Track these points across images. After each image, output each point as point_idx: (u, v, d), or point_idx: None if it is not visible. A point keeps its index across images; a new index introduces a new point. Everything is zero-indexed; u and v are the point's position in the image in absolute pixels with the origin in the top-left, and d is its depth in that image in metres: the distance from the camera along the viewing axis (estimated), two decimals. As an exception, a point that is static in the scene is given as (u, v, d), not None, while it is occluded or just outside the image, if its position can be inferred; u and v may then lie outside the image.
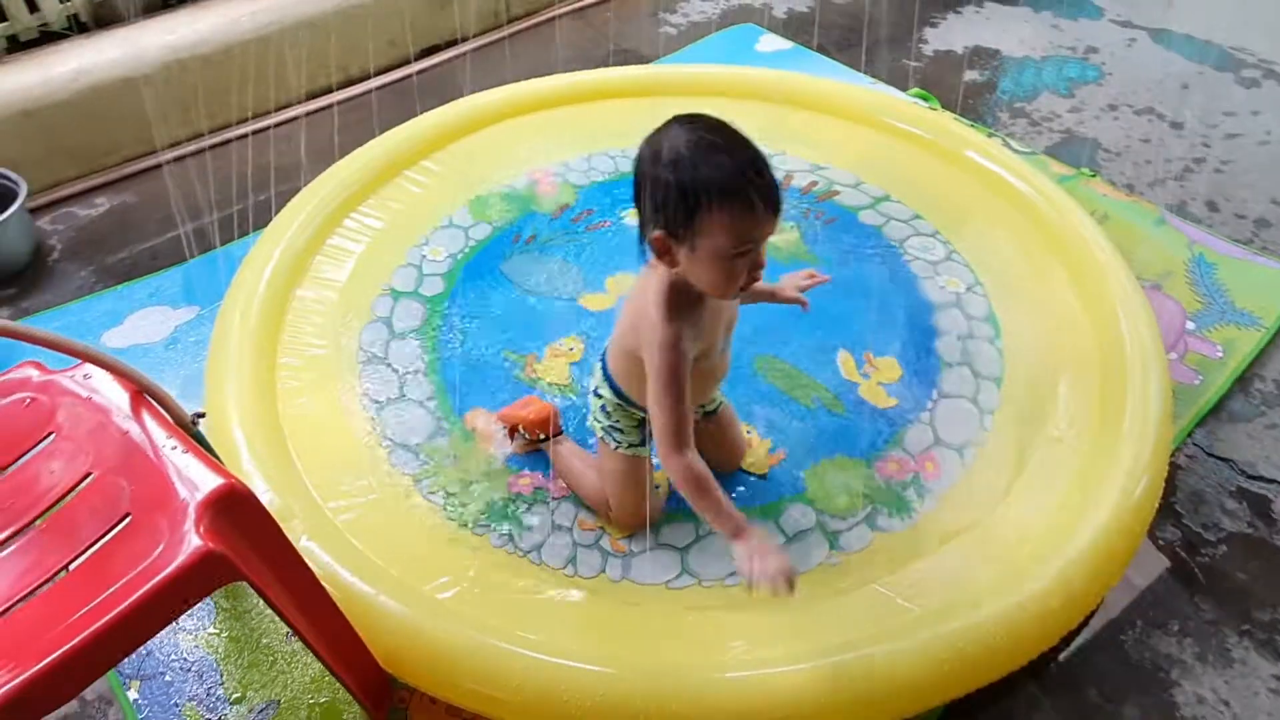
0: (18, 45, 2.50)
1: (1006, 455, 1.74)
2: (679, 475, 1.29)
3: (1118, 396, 1.75)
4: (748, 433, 1.78)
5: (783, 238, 2.23)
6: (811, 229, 2.25)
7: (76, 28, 2.56)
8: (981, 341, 1.96)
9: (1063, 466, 1.68)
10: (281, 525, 1.47)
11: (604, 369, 1.51)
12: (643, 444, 1.53)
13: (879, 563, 1.56)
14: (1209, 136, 2.60)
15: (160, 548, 0.99)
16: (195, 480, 1.05)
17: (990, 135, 2.56)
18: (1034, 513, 1.60)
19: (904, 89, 2.76)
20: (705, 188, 1.18)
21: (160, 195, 2.41)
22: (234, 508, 1.05)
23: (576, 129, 2.53)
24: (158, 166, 2.49)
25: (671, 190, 1.19)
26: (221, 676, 1.44)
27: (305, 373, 1.87)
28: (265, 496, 1.56)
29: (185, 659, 1.47)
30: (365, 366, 1.92)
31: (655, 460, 1.53)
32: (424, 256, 2.17)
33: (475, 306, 2.06)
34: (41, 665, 0.88)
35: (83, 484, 1.08)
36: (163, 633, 1.50)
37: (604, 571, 1.56)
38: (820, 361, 1.92)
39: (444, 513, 1.64)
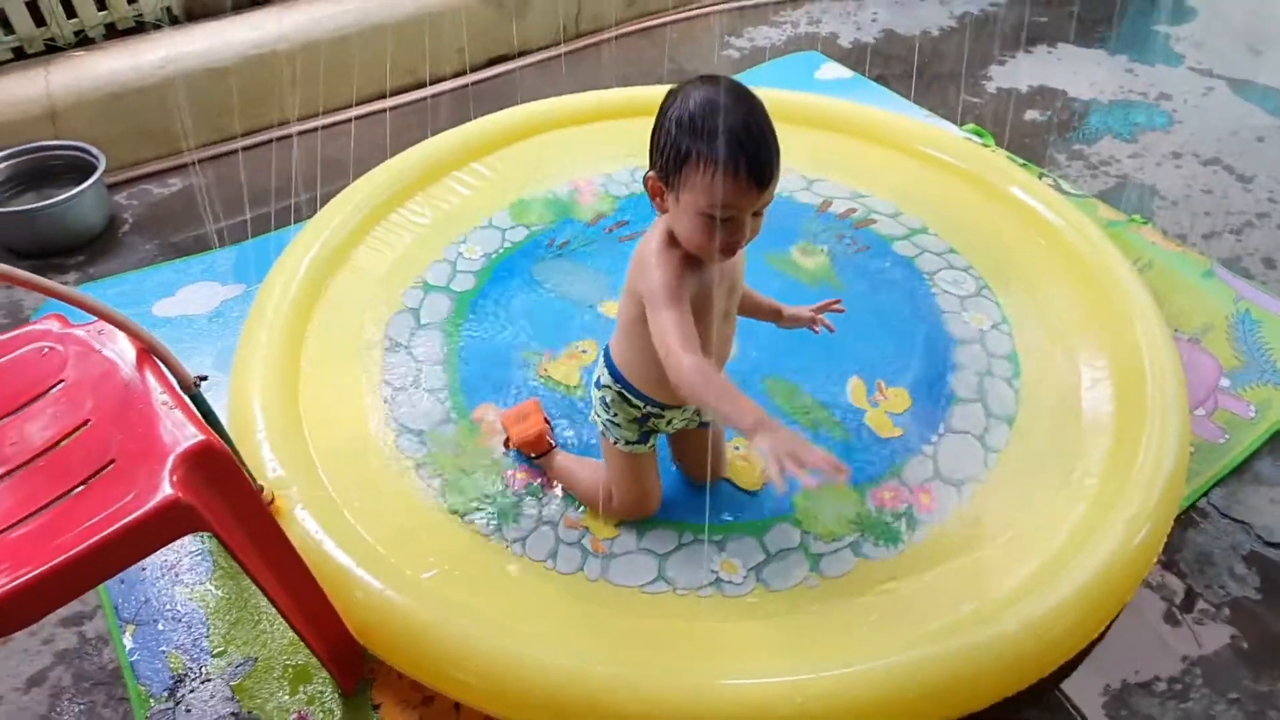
0: (115, 33, 2.70)
1: (1006, 495, 1.70)
2: (683, 376, 1.23)
3: (1131, 446, 1.70)
4: (747, 448, 1.79)
5: (813, 260, 2.24)
6: (843, 255, 2.25)
7: (169, 20, 2.75)
8: (999, 380, 1.93)
9: (1062, 511, 1.64)
10: (278, 492, 1.58)
11: (607, 356, 1.53)
12: (641, 441, 1.56)
13: (855, 589, 1.55)
14: (1277, 193, 2.50)
15: (134, 493, 1.06)
16: (178, 435, 1.13)
17: (1041, 175, 2.52)
18: (1025, 555, 1.57)
19: (960, 124, 2.73)
20: (695, 143, 1.22)
21: (229, 180, 2.55)
22: (209, 464, 1.12)
23: (624, 142, 2.58)
24: (231, 153, 2.64)
25: (670, 136, 1.24)
26: (208, 629, 1.52)
27: (330, 354, 1.96)
28: (270, 464, 1.65)
29: (179, 610, 1.55)
30: (389, 354, 2.00)
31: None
32: (460, 254, 2.25)
33: (500, 305, 2.12)
34: (10, 585, 0.96)
35: (80, 430, 1.17)
36: (162, 584, 1.60)
37: (582, 569, 1.59)
38: (830, 386, 1.92)
39: (438, 497, 1.70)
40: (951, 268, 2.21)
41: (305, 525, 1.54)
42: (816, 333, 1.67)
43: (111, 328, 1.29)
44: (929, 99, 2.87)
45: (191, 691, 1.43)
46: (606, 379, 1.53)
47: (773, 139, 1.26)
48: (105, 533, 1.02)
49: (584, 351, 2.00)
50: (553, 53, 3.13)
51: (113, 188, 2.52)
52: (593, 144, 2.59)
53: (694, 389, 1.23)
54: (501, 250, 2.27)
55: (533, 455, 1.73)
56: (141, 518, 1.03)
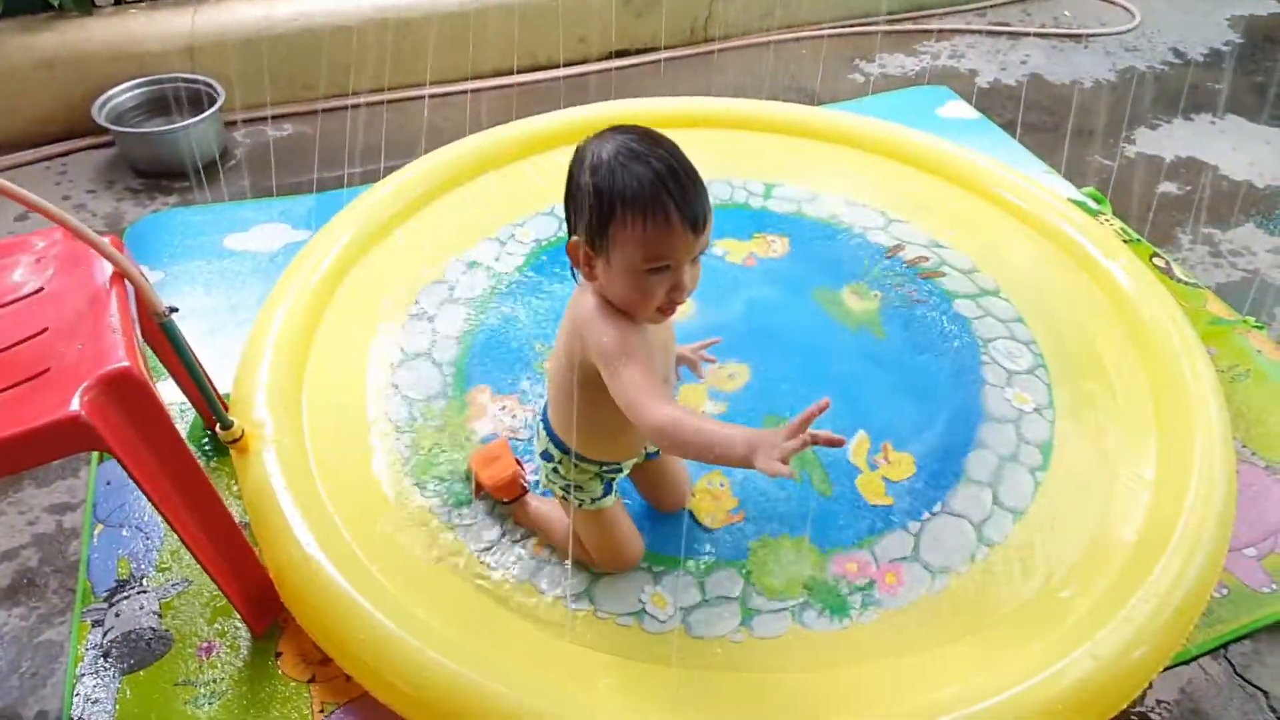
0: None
1: (981, 598, 1.55)
2: (663, 432, 1.16)
3: (1137, 574, 1.50)
4: (720, 484, 1.71)
5: (862, 304, 2.11)
6: (896, 303, 2.11)
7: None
8: (1021, 467, 1.75)
9: (1032, 633, 1.47)
10: (252, 430, 1.65)
11: (546, 429, 1.46)
12: (607, 494, 1.48)
13: (773, 658, 1.45)
14: None
15: (45, 404, 1.13)
16: (106, 358, 1.20)
17: (1153, 255, 2.26)
18: (972, 668, 1.42)
19: (1080, 186, 2.50)
20: (619, 196, 1.16)
21: (336, 133, 2.69)
22: (125, 391, 1.18)
23: (710, 150, 2.52)
24: (343, 108, 2.78)
25: (589, 196, 1.19)
26: (162, 543, 1.62)
27: (357, 311, 2.03)
28: (259, 402, 1.72)
29: (145, 519, 1.65)
30: (413, 320, 2.05)
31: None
32: (513, 236, 2.28)
33: (532, 292, 2.13)
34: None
35: (35, 337, 1.26)
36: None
37: (513, 570, 1.57)
38: (832, 437, 1.80)
39: (405, 466, 1.73)
40: (1012, 338, 2.03)
41: (265, 467, 1.60)
42: (699, 376, 1.61)
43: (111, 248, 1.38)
44: (1056, 155, 2.64)
45: (126, 598, 1.53)
46: (556, 452, 1.45)
47: (698, 178, 1.20)
48: (6, 433, 1.09)
49: (595, 353, 1.98)
50: (678, 53, 3.10)
51: (233, 125, 2.71)
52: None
53: (675, 442, 1.17)
54: (554, 238, 2.27)
55: (505, 500, 1.64)
56: (37, 428, 1.10)
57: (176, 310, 1.43)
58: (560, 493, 1.49)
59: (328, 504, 1.60)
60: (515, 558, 1.59)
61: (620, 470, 1.49)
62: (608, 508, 1.50)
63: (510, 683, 1.33)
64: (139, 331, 1.32)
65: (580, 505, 1.48)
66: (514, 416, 1.84)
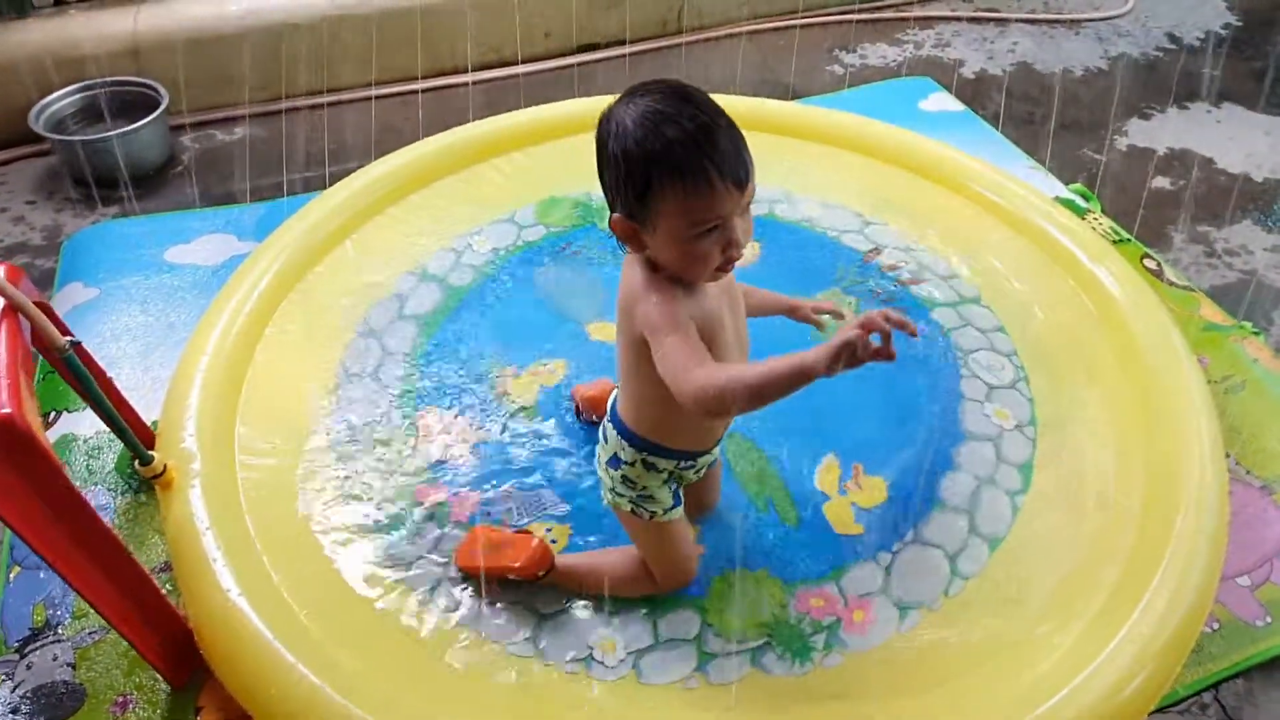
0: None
1: (957, 635, 1.44)
2: (704, 394, 1.08)
3: (1125, 607, 1.40)
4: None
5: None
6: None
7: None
8: (999, 491, 1.65)
9: (1013, 674, 1.37)
10: (177, 463, 1.54)
11: (618, 428, 1.35)
12: (677, 504, 1.39)
13: (730, 704, 1.35)
14: None
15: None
16: (-16, 404, 1.09)
17: (1143, 257, 2.15)
18: (937, 712, 1.32)
19: (1068, 182, 2.38)
20: (653, 164, 1.09)
21: (290, 136, 2.57)
22: (5, 440, 1.08)
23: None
24: (296, 109, 2.67)
25: (620, 168, 1.12)
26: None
27: (302, 327, 1.92)
28: (185, 431, 1.62)
29: (63, 562, 1.55)
30: (361, 338, 1.94)
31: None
32: (469, 245, 2.16)
33: (488, 306, 2.02)
34: None
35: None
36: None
37: (452, 612, 1.46)
38: (800, 458, 1.70)
39: (341, 492, 1.63)
40: (993, 349, 1.92)
41: (188, 504, 1.50)
42: (819, 327, 1.50)
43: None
44: (1043, 148, 2.52)
45: (40, 648, 1.43)
46: (627, 452, 1.34)
47: (735, 130, 1.12)
48: None
49: (551, 371, 1.87)
50: (648, 46, 2.98)
51: (180, 129, 2.60)
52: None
53: (724, 399, 1.07)
54: (512, 248, 2.16)
55: (540, 575, 1.46)
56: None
57: (78, 343, 1.32)
58: (629, 507, 1.37)
59: (256, 544, 1.50)
60: (456, 602, 1.48)
61: (694, 466, 1.39)
62: (676, 519, 1.39)
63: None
64: (39, 366, 1.21)
65: (652, 517, 1.37)
66: (463, 440, 1.73)
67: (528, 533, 1.52)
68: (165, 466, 1.53)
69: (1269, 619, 1.48)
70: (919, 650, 1.41)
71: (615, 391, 1.38)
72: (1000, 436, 1.74)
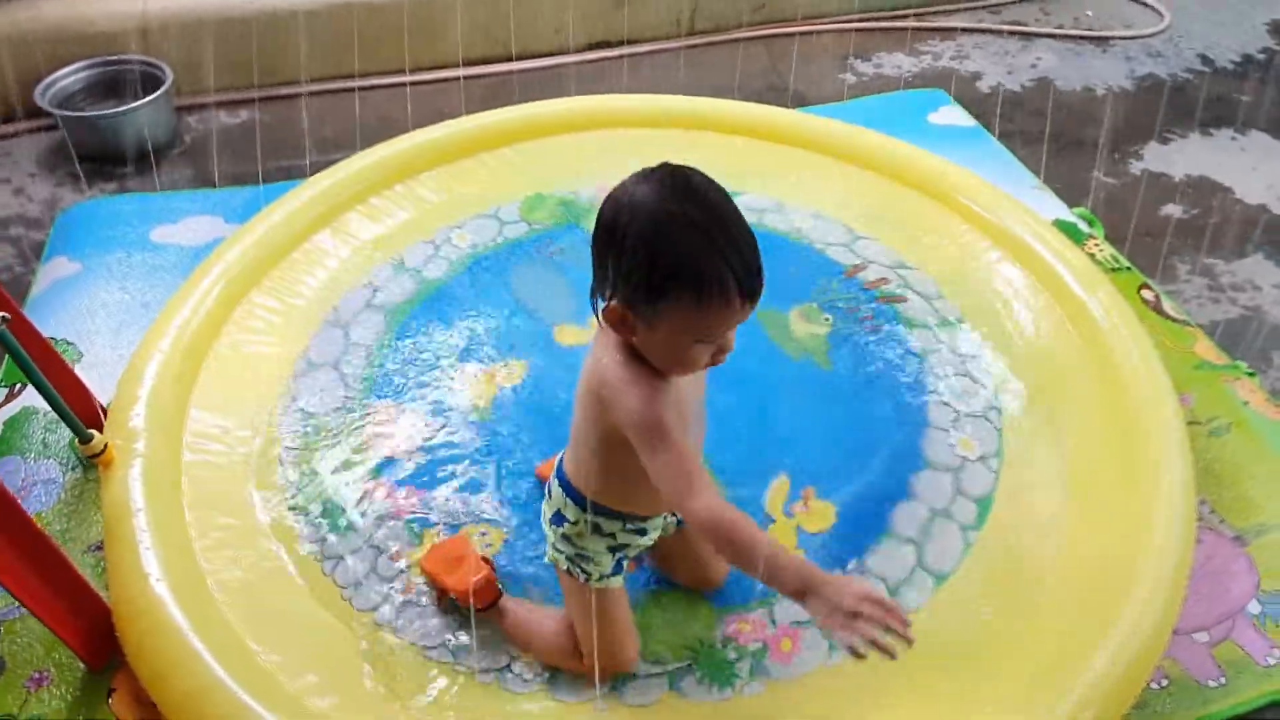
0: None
1: (885, 671, 1.37)
2: (703, 523, 1.09)
3: (1063, 661, 1.33)
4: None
5: (809, 329, 1.95)
6: (846, 331, 1.94)
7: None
8: (952, 525, 1.59)
9: (935, 713, 1.31)
10: (126, 442, 1.55)
11: (563, 485, 1.31)
12: (616, 572, 1.33)
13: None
14: None
15: None
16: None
17: (1141, 287, 2.05)
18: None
19: (1074, 204, 2.29)
20: (677, 270, 1.04)
21: (294, 122, 2.59)
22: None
23: (677, 154, 2.36)
24: (302, 95, 2.69)
25: (639, 262, 1.05)
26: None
27: (271, 315, 1.93)
28: (134, 411, 1.62)
29: None
30: (328, 326, 1.94)
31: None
32: (449, 239, 2.15)
33: (456, 302, 2.00)
34: None
35: None
36: None
37: (376, 610, 1.45)
38: (749, 478, 1.65)
39: (284, 482, 1.62)
40: (969, 376, 1.85)
41: (125, 485, 1.50)
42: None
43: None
44: (1053, 169, 2.43)
45: (-32, 619, 1.45)
46: (571, 510, 1.30)
47: (754, 242, 1.08)
48: None
49: (509, 372, 1.85)
50: (657, 47, 2.94)
51: (186, 110, 2.63)
52: (642, 150, 2.39)
53: (724, 541, 1.10)
54: (492, 244, 2.15)
55: (479, 608, 1.41)
56: None
57: (8, 318, 1.33)
58: (566, 565, 1.32)
59: (191, 530, 1.50)
60: (380, 594, 1.47)
61: (643, 534, 1.33)
62: (614, 588, 1.33)
63: None
64: None
65: (587, 579, 1.30)
66: (414, 437, 1.72)
67: (489, 563, 1.47)
68: (106, 445, 1.54)
69: (1223, 679, 1.40)
70: (843, 685, 1.36)
71: (564, 451, 1.33)
72: (962, 467, 1.67)
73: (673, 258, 1.04)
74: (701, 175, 1.10)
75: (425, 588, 1.47)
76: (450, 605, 1.44)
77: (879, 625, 1.02)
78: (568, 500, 1.30)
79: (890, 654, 1.02)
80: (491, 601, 1.41)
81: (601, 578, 1.32)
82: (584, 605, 1.32)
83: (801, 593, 1.05)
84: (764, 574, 1.07)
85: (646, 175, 1.10)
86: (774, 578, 1.07)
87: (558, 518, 1.32)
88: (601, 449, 1.21)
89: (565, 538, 1.31)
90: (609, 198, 1.11)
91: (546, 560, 1.38)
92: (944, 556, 1.54)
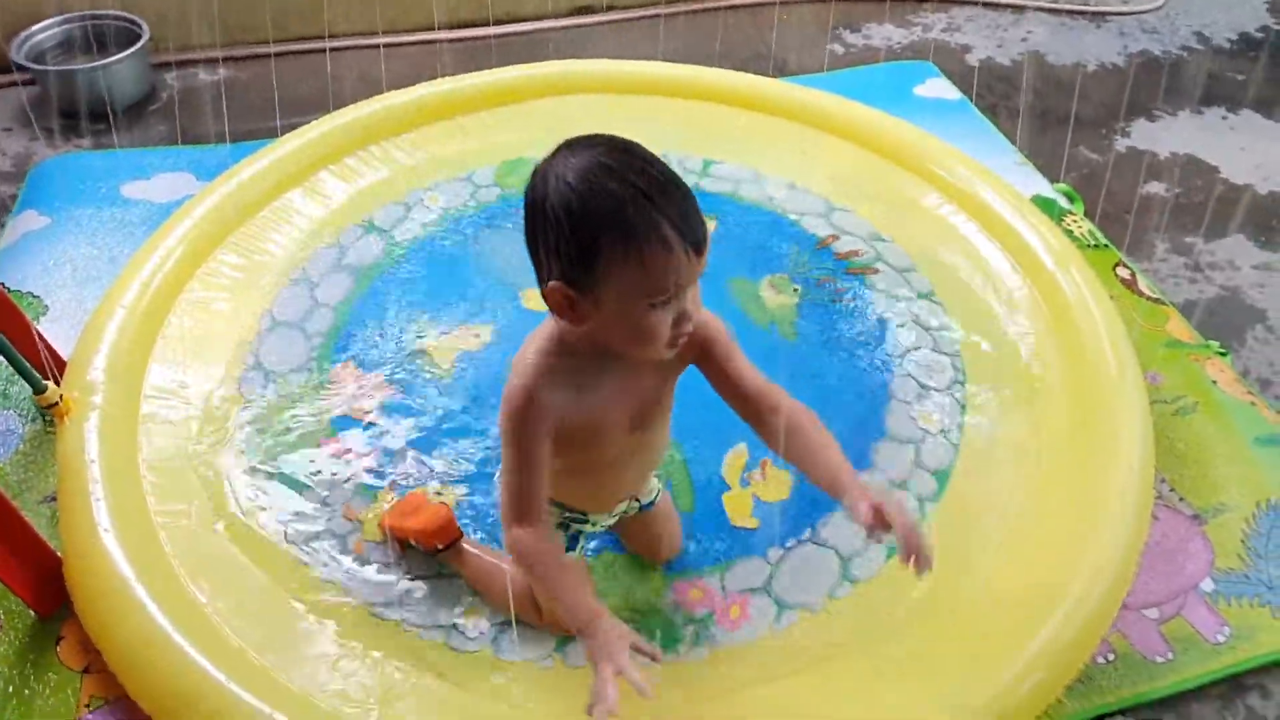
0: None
1: (829, 637, 1.39)
2: (510, 547, 1.15)
3: (1004, 631, 1.33)
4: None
5: (779, 299, 1.93)
6: (815, 301, 1.92)
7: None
8: (909, 498, 1.58)
9: (874, 677, 1.31)
10: (83, 395, 1.55)
11: None
12: (570, 549, 1.33)
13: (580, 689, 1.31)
14: None
15: None
16: None
17: (1116, 265, 2.03)
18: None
19: (1056, 180, 2.26)
20: (602, 224, 0.98)
21: (270, 81, 2.56)
22: None
23: (659, 120, 2.33)
24: (283, 54, 2.66)
25: (563, 229, 1.00)
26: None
27: (236, 273, 1.92)
28: (94, 364, 1.62)
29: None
30: (293, 285, 1.93)
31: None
32: (421, 200, 2.13)
33: (427, 264, 1.99)
34: None
35: None
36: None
37: (325, 565, 1.45)
38: (708, 447, 1.64)
39: (240, 438, 1.62)
40: (935, 349, 1.83)
41: (80, 436, 1.51)
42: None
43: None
44: (1039, 144, 2.40)
45: (-81, 565, 1.45)
46: None
47: (689, 191, 1.03)
48: None
49: (476, 336, 1.84)
50: (641, 13, 2.90)
51: (165, 66, 2.61)
52: (626, 117, 2.36)
53: (526, 568, 1.18)
54: (463, 207, 2.13)
55: (440, 548, 1.42)
56: None
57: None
58: None
59: (144, 484, 1.51)
60: (332, 549, 1.47)
61: (586, 522, 1.33)
62: (568, 560, 1.32)
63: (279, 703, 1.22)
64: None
65: None
66: (373, 397, 1.72)
67: (444, 503, 1.47)
68: (61, 397, 1.53)
69: (1171, 655, 1.40)
70: (784, 650, 1.36)
71: None
72: (923, 441, 1.66)
73: (597, 213, 0.99)
74: (614, 136, 1.05)
75: (375, 545, 1.48)
76: (411, 553, 1.45)
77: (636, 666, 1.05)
78: None
79: (642, 691, 1.03)
80: (452, 540, 1.42)
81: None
82: None
83: (580, 631, 1.10)
84: (559, 607, 1.17)
85: (557, 151, 1.05)
86: (565, 612, 1.15)
87: None
88: None
89: None
90: (529, 185, 1.06)
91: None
92: (898, 527, 1.53)
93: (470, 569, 1.43)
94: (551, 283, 1.04)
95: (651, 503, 1.41)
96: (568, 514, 1.31)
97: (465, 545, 1.44)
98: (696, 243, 1.01)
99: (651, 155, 1.04)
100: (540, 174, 1.04)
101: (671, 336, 1.06)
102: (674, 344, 1.08)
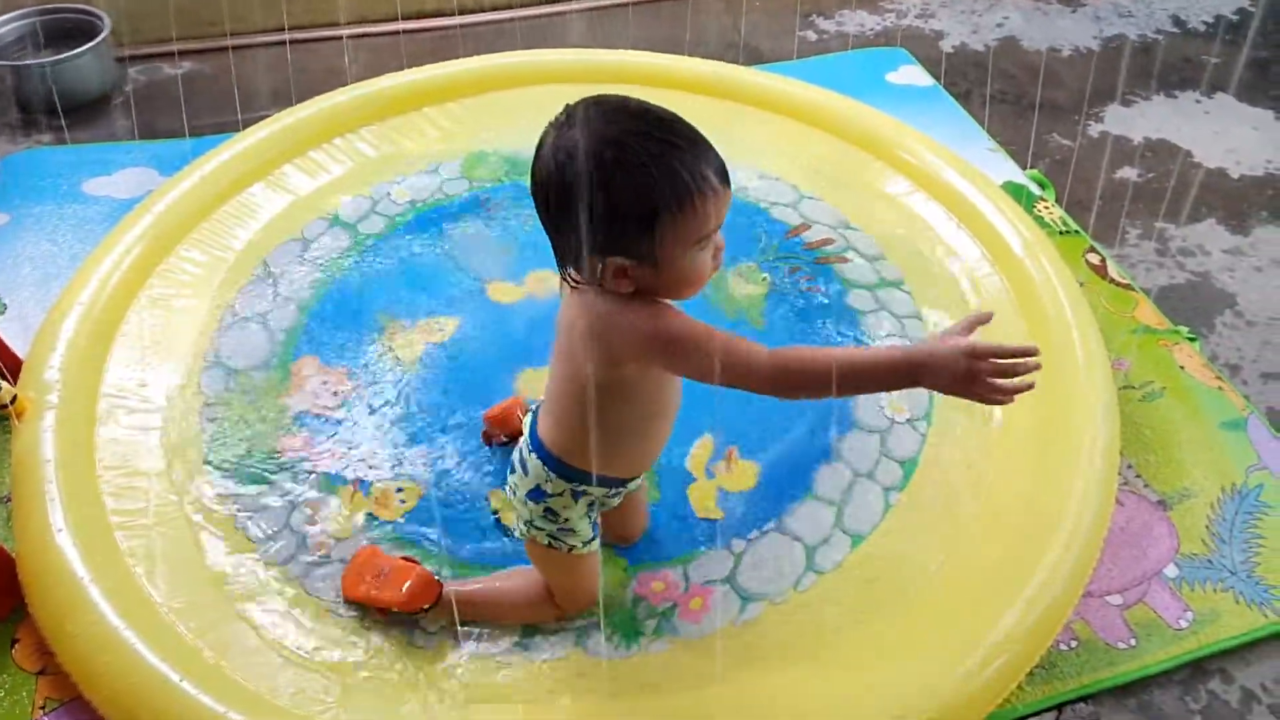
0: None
1: (792, 628, 1.38)
2: (779, 376, 1.06)
3: (967, 619, 1.33)
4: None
5: (747, 289, 1.92)
6: (784, 291, 1.91)
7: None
8: (875, 486, 1.57)
9: (838, 673, 1.31)
10: (38, 394, 1.53)
11: (544, 460, 1.22)
12: (594, 536, 1.28)
13: (546, 685, 1.31)
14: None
15: None
16: None
17: (1086, 250, 2.02)
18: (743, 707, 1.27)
19: (1028, 167, 2.25)
20: (658, 193, 0.99)
21: (234, 75, 2.52)
22: None
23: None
24: (248, 47, 2.63)
25: (616, 209, 0.99)
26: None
27: (197, 269, 1.89)
28: (50, 362, 1.60)
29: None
30: (258, 280, 1.91)
31: None
32: (388, 194, 2.11)
33: (393, 257, 1.97)
34: None
35: None
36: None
37: (287, 564, 1.44)
38: (674, 440, 1.58)
39: (200, 436, 1.60)
40: (904, 336, 1.83)
41: (35, 435, 1.49)
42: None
43: None
44: (1011, 130, 2.39)
45: (-128, 569, 1.43)
46: (554, 484, 1.22)
47: (696, 132, 1.05)
48: None
49: (440, 329, 1.82)
50: (610, 2, 2.87)
51: (128, 60, 2.57)
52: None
53: (809, 377, 1.05)
54: (431, 200, 2.11)
55: (426, 608, 1.34)
56: None
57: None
58: (547, 541, 1.26)
59: (101, 483, 1.49)
60: (292, 547, 1.45)
61: (618, 494, 1.31)
62: (595, 550, 1.30)
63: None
64: None
65: (571, 550, 1.26)
66: (335, 393, 1.70)
67: (413, 561, 1.40)
68: (15, 396, 1.51)
69: (1134, 642, 1.39)
70: (746, 643, 1.35)
71: (531, 419, 1.26)
72: (889, 430, 1.66)
73: (649, 184, 0.99)
74: (608, 95, 1.05)
75: (334, 541, 1.46)
76: (395, 617, 1.36)
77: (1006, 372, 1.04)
78: (549, 473, 1.21)
79: (1028, 388, 1.06)
80: (436, 597, 1.35)
81: (584, 545, 1.28)
82: (565, 571, 1.31)
83: (909, 380, 1.05)
84: (853, 388, 1.08)
85: (563, 124, 1.03)
86: (864, 386, 1.10)
87: (537, 493, 1.23)
88: (600, 399, 1.12)
89: (548, 512, 1.24)
90: (543, 161, 1.04)
91: (517, 535, 1.32)
92: (863, 517, 1.52)
93: (468, 611, 1.35)
94: (611, 259, 1.03)
95: (636, 487, 1.39)
96: (612, 490, 1.27)
97: (451, 592, 1.36)
98: (725, 176, 1.04)
99: (651, 104, 1.05)
100: (560, 155, 1.01)
101: (712, 269, 1.09)
102: (710, 276, 1.09)
